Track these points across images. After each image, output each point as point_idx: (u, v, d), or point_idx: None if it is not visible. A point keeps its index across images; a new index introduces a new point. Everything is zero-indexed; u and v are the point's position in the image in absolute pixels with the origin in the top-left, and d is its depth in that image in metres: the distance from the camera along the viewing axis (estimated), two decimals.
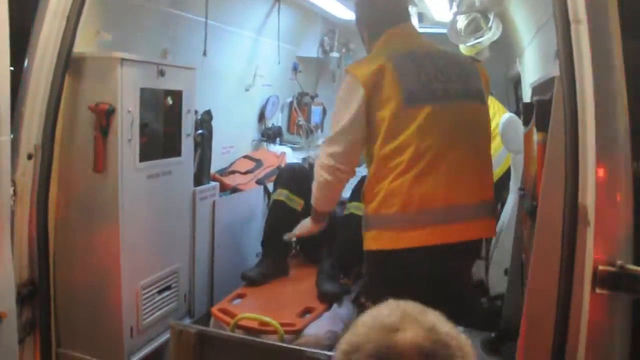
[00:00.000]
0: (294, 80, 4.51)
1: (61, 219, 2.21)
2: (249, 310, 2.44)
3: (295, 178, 3.05)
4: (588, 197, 1.58)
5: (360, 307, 2.15)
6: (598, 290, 1.53)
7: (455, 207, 1.88)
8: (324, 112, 4.90)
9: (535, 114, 1.80)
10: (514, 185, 3.15)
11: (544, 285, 1.76)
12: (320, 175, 2.07)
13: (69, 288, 2.23)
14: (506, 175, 3.42)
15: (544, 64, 2.75)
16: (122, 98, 2.12)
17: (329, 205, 2.26)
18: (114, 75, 2.09)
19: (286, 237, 2.64)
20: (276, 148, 4.18)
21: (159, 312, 2.51)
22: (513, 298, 2.54)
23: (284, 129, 4.45)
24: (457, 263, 2.02)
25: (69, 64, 2.07)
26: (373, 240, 1.95)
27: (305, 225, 2.47)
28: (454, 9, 3.16)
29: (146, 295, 2.41)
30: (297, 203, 2.98)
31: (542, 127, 1.78)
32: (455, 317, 0.99)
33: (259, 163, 3.74)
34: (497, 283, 2.95)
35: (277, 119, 4.38)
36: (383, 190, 1.90)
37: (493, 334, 2.55)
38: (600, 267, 1.53)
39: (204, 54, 2.84)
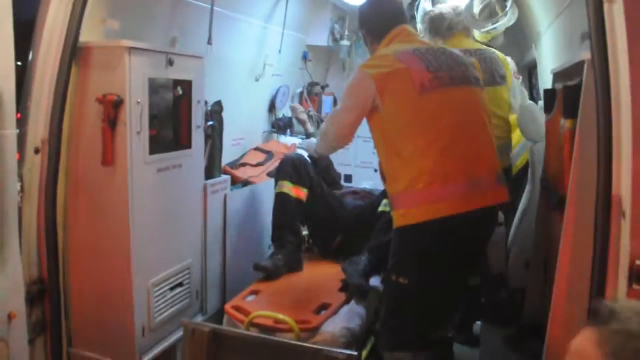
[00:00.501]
0: (303, 70, 4.41)
1: (70, 215, 2.15)
2: (263, 307, 2.37)
3: (296, 168, 3.02)
4: (623, 186, 1.50)
5: (392, 285, 2.12)
6: (635, 286, 1.45)
7: (476, 177, 2.03)
8: (335, 102, 4.81)
9: (562, 100, 1.71)
10: (531, 175, 3.06)
11: (574, 282, 1.68)
12: (324, 137, 2.37)
13: (79, 286, 2.18)
14: (526, 166, 3.33)
15: (565, 48, 2.64)
16: (131, 88, 2.05)
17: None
18: (121, 64, 2.02)
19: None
20: (287, 139, 4.09)
21: (170, 310, 2.45)
22: (535, 292, 2.46)
23: (294, 120, 4.35)
24: (482, 228, 2.16)
25: (75, 53, 2.00)
26: (403, 217, 2.06)
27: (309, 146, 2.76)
28: None
29: (158, 293, 2.35)
30: (301, 192, 3.00)
31: (570, 113, 1.69)
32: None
33: (269, 155, 3.66)
34: (518, 276, 2.87)
35: (287, 109, 4.28)
36: (408, 169, 2.03)
37: (515, 329, 2.47)
38: (638, 262, 1.44)
39: (209, 42, 2.74)
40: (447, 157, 2.00)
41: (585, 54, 1.60)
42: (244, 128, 3.60)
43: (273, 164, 3.58)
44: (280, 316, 2.22)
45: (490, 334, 2.91)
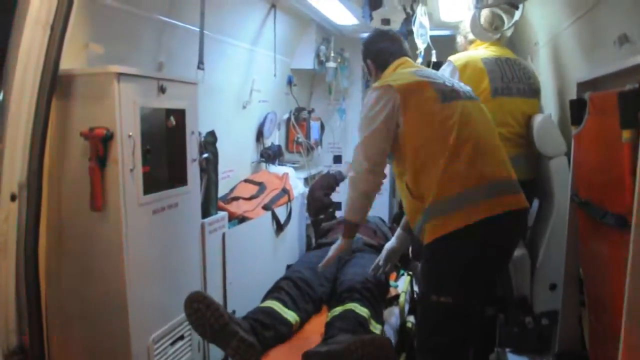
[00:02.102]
0: (289, 95, 4.21)
1: (54, 270, 1.86)
2: (279, 357, 2.11)
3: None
4: None
5: (432, 306, 2.01)
6: None
7: (501, 182, 2.05)
8: (322, 127, 4.62)
9: (619, 108, 1.53)
10: (549, 192, 2.89)
11: None
12: (356, 184, 2.14)
13: (68, 355, 1.87)
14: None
15: (578, 56, 2.51)
16: (121, 120, 1.79)
17: (364, 214, 2.23)
18: (110, 93, 1.76)
19: (320, 267, 2.37)
20: (277, 169, 3.86)
21: None
22: (570, 316, 2.27)
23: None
24: (519, 230, 2.21)
25: (55, 83, 1.74)
26: (439, 227, 1.99)
27: (336, 248, 2.32)
28: (472, 3, 2.92)
29: (158, 350, 2.05)
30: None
31: (629, 123, 1.51)
32: None
33: (262, 187, 3.42)
34: (543, 300, 2.68)
35: (275, 137, 4.06)
36: (439, 179, 1.99)
37: (552, 358, 2.26)
38: None
39: (199, 66, 2.51)
40: (476, 162, 2.01)
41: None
42: (232, 159, 3.35)
43: (267, 197, 3.34)
44: None
45: None
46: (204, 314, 2.00)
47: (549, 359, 2.26)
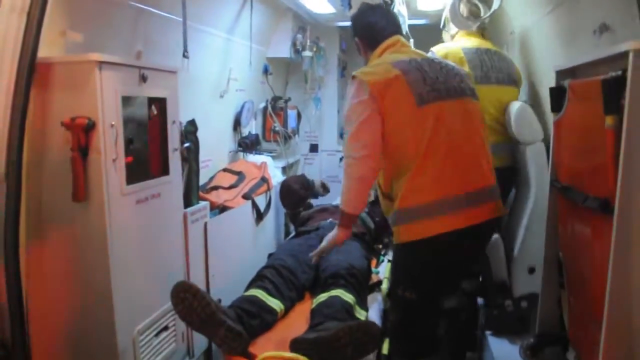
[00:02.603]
0: (264, 84, 4.18)
1: (35, 263, 1.81)
2: (267, 345, 2.11)
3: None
4: None
5: (399, 298, 2.13)
6: None
7: (473, 192, 2.01)
8: (299, 115, 4.61)
9: (603, 94, 1.57)
10: (526, 178, 2.95)
11: (628, 297, 1.53)
12: (351, 172, 2.05)
13: (51, 349, 1.84)
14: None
15: (555, 45, 2.56)
16: (103, 109, 1.75)
17: (362, 204, 2.16)
18: (91, 81, 1.71)
19: (312, 258, 2.35)
20: (254, 158, 3.84)
21: (158, 358, 2.13)
22: (550, 298, 2.33)
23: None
24: (481, 241, 2.22)
25: (33, 71, 1.69)
26: (404, 234, 2.03)
27: (331, 238, 2.26)
28: None
29: (144, 342, 2.03)
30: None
31: (612, 109, 1.55)
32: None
33: (241, 176, 3.39)
34: (521, 283, 2.74)
35: (252, 127, 4.03)
36: (405, 186, 2.00)
37: (532, 339, 2.32)
38: None
39: (184, 55, 2.47)
40: (445, 173, 1.98)
41: (628, 44, 1.47)
42: (211, 148, 3.31)
43: (247, 186, 3.33)
44: (293, 355, 1.96)
45: (500, 345, 2.76)
46: (191, 303, 1.99)
47: (529, 340, 2.31)
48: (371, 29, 2.23)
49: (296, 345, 1.99)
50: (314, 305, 2.33)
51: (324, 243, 2.29)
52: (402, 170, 2.02)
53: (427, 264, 2.05)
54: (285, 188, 3.73)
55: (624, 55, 1.49)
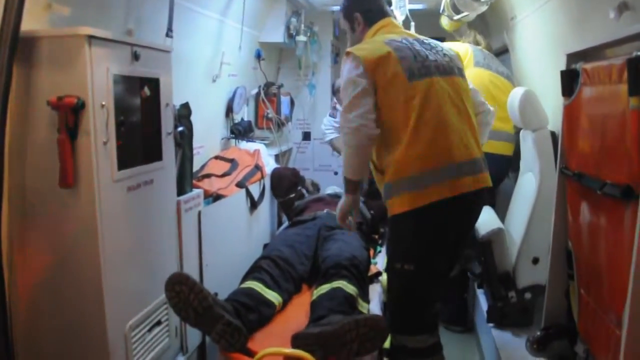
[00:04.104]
0: (257, 69, 4.05)
1: (18, 253, 1.69)
2: (266, 341, 2.01)
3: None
4: None
5: (397, 272, 2.15)
6: None
7: (461, 163, 2.06)
8: (292, 102, 4.49)
9: (628, 75, 1.48)
10: (525, 166, 2.88)
11: None
12: (348, 140, 2.08)
13: (37, 345, 1.72)
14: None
15: (564, 28, 2.48)
16: (93, 88, 1.62)
17: (363, 170, 2.19)
18: (80, 58, 1.58)
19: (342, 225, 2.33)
20: (247, 145, 3.72)
21: (150, 355, 2.03)
22: (557, 290, 2.27)
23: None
24: (470, 211, 2.21)
25: (16, 46, 1.55)
26: (397, 205, 2.08)
27: (342, 207, 2.26)
28: None
29: (136, 338, 1.92)
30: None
31: (638, 89, 1.47)
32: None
33: (234, 164, 3.28)
34: (525, 274, 2.67)
35: (244, 113, 3.91)
36: (397, 158, 2.05)
37: (538, 332, 2.26)
38: None
39: (167, 34, 2.34)
40: (434, 146, 2.03)
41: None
42: (203, 135, 3.19)
43: (240, 174, 3.21)
44: (291, 351, 1.86)
45: (504, 336, 2.70)
46: (187, 296, 1.88)
47: (535, 333, 2.24)
48: (373, 7, 2.33)
49: (299, 340, 1.89)
50: (314, 297, 2.24)
51: (338, 213, 2.27)
52: (392, 143, 2.08)
53: (421, 233, 2.09)
54: (276, 175, 3.68)
55: None
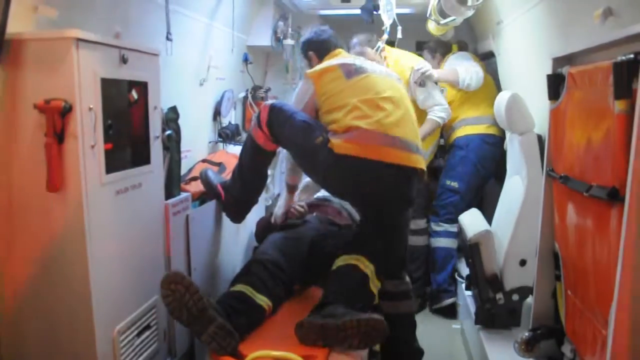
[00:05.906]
0: (244, 73, 4.04)
1: (4, 260, 1.67)
2: (255, 344, 2.00)
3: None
4: None
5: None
6: None
7: (398, 139, 2.32)
8: None
9: (614, 78, 1.50)
10: (512, 169, 2.91)
11: (638, 287, 1.47)
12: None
13: (23, 351, 1.70)
14: None
15: (550, 33, 2.51)
16: (81, 91, 1.60)
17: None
18: (68, 60, 1.57)
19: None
20: (235, 149, 3.70)
21: (139, 359, 2.01)
22: (544, 291, 2.29)
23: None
24: (403, 181, 2.39)
25: (2, 48, 1.54)
26: (340, 147, 2.28)
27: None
28: None
29: (124, 342, 1.90)
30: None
31: (624, 93, 1.49)
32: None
33: (222, 167, 3.26)
34: (513, 276, 2.70)
35: (232, 117, 3.89)
36: (340, 123, 2.35)
37: (526, 333, 2.27)
38: None
39: (167, 37, 2.34)
40: (371, 116, 2.31)
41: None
42: (190, 138, 3.16)
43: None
44: (282, 354, 1.86)
45: (492, 338, 2.72)
46: (183, 296, 1.88)
47: (523, 335, 2.26)
48: (322, 43, 2.83)
49: (303, 328, 1.99)
50: (334, 267, 2.30)
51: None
52: (339, 109, 2.39)
53: (359, 180, 2.33)
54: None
55: (637, 37, 1.43)
